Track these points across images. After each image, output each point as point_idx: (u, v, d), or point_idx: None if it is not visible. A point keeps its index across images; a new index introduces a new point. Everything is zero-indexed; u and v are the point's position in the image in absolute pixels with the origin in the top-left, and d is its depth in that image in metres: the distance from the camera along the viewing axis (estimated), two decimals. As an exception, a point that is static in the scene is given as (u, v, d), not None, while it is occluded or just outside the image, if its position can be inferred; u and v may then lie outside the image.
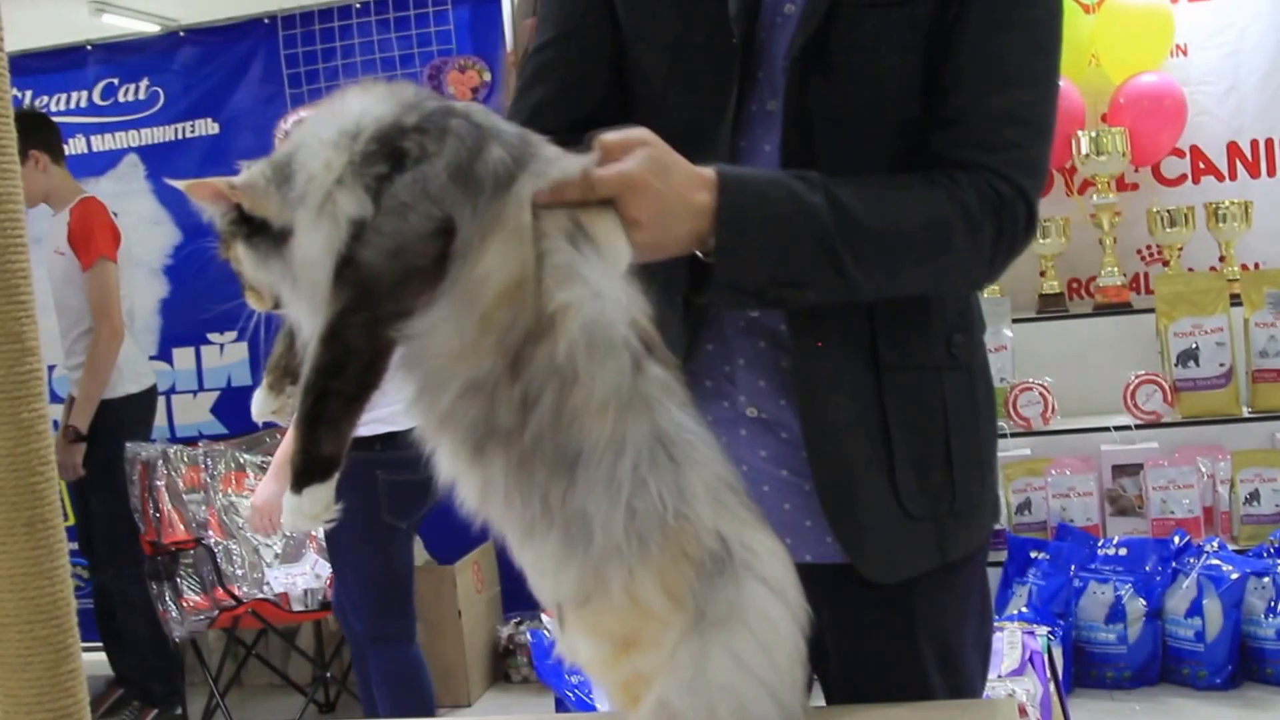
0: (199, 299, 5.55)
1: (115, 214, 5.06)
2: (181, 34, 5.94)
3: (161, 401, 5.64)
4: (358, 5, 5.66)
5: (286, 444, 3.91)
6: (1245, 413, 4.82)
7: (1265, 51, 5.16)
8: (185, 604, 4.77)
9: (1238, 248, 5.06)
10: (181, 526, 4.89)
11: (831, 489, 1.49)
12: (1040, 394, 4.86)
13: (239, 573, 4.93)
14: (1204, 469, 4.79)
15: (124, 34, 6.10)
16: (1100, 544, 4.65)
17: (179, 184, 1.23)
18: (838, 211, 1.35)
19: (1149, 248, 5.27)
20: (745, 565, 1.21)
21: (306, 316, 1.23)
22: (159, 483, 4.87)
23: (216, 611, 4.77)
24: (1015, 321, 5.05)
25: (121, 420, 4.93)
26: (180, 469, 4.96)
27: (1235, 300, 4.81)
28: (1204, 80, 5.19)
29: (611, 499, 1.18)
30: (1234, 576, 4.40)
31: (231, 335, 5.76)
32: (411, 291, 1.19)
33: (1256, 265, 5.10)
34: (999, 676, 3.41)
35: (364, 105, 1.23)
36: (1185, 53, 5.21)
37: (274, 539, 4.91)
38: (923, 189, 1.42)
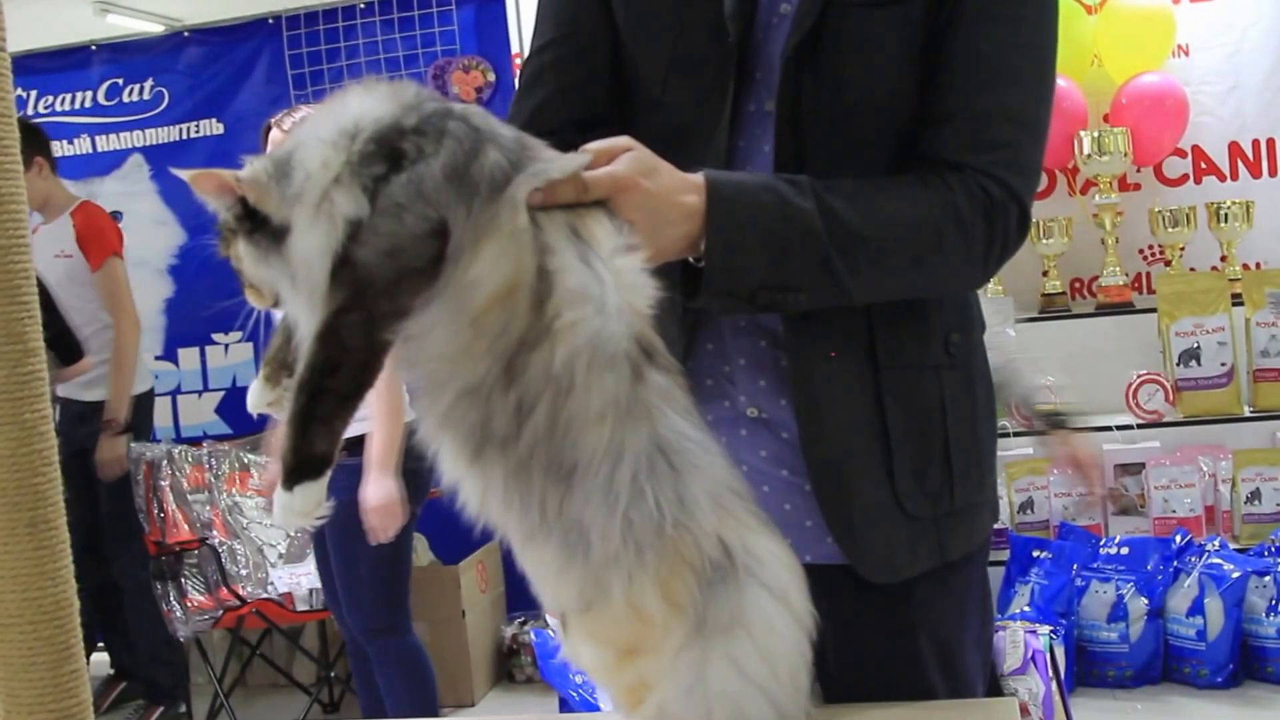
0: (204, 299, 5.54)
1: (119, 214, 5.12)
2: (186, 34, 5.95)
3: (166, 402, 5.66)
4: (362, 5, 5.67)
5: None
6: (1246, 412, 4.82)
7: (1267, 52, 5.15)
8: (190, 604, 4.78)
9: (1239, 247, 5.06)
10: (186, 526, 4.89)
11: (829, 489, 1.48)
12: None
13: (243, 572, 4.93)
14: (1205, 468, 4.79)
15: (128, 34, 6.11)
16: (1102, 543, 4.65)
17: (184, 174, 1.23)
18: (827, 216, 1.36)
19: (1151, 247, 5.27)
20: (748, 571, 1.21)
21: (304, 314, 1.23)
22: (163, 483, 4.87)
23: (221, 611, 4.78)
24: (1018, 321, 5.04)
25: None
26: (185, 469, 4.97)
27: (1237, 300, 4.81)
28: (1206, 80, 5.19)
29: (609, 509, 1.18)
30: (1235, 575, 4.40)
31: (236, 335, 5.77)
32: (407, 292, 1.19)
33: (1258, 265, 5.10)
34: (1001, 676, 3.41)
35: (364, 105, 1.23)
36: (1187, 53, 5.21)
37: (278, 540, 4.92)
38: (913, 192, 1.42)
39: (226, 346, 5.84)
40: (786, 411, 1.50)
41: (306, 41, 5.75)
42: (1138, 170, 5.23)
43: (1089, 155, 4.97)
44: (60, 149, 5.79)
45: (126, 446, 4.88)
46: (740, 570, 1.21)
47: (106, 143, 6.01)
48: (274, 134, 3.65)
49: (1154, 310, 4.92)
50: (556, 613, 1.30)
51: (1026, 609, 4.41)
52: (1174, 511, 4.74)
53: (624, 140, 1.31)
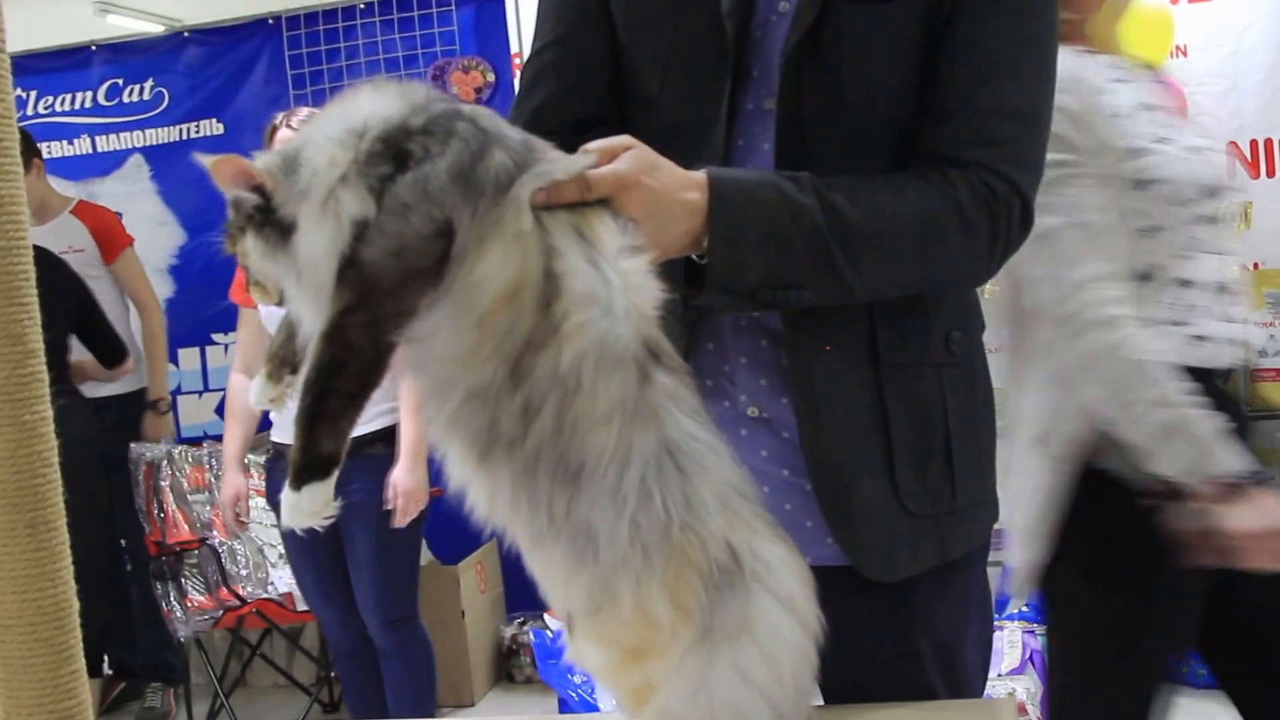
0: (204, 299, 5.56)
1: (119, 215, 5.21)
2: (186, 34, 5.95)
3: (167, 402, 5.66)
4: (362, 5, 5.67)
5: (231, 441, 3.99)
6: (1245, 411, 4.81)
7: (1265, 52, 5.15)
8: (190, 604, 4.78)
9: (1238, 248, 5.05)
10: (186, 527, 4.90)
11: (829, 487, 1.48)
12: (1041, 394, 4.85)
13: (243, 573, 4.94)
14: (1205, 468, 4.78)
15: (128, 34, 6.12)
16: (1102, 543, 4.64)
17: (204, 159, 1.23)
18: (829, 212, 1.36)
19: (1150, 247, 5.26)
20: (755, 576, 1.21)
21: (309, 313, 1.24)
22: (164, 483, 4.88)
23: (221, 611, 4.79)
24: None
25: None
26: (185, 469, 4.97)
27: (1236, 300, 4.80)
28: (1204, 81, 5.17)
29: (617, 511, 1.18)
30: (1234, 576, 4.39)
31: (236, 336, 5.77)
32: (413, 293, 1.19)
33: (1256, 265, 5.09)
34: (999, 675, 3.42)
35: (373, 104, 1.24)
36: (1185, 54, 5.20)
37: (278, 540, 4.92)
38: (915, 188, 1.41)
39: (226, 347, 5.84)
40: (787, 411, 1.50)
41: (306, 41, 5.75)
42: (1137, 170, 5.22)
43: (1088, 156, 4.96)
44: (60, 149, 5.80)
45: (169, 425, 5.25)
46: (748, 575, 1.21)
47: (106, 143, 6.01)
48: (283, 132, 3.65)
49: (1153, 310, 4.91)
50: (563, 614, 1.30)
51: (1025, 609, 4.41)
52: (1173, 511, 4.74)
53: (624, 139, 1.31)
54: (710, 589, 1.20)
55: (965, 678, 1.58)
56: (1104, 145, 2.07)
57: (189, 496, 4.95)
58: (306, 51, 5.75)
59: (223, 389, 5.86)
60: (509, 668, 5.30)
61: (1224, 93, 5.19)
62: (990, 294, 5.06)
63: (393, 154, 1.20)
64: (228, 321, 5.55)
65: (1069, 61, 1.76)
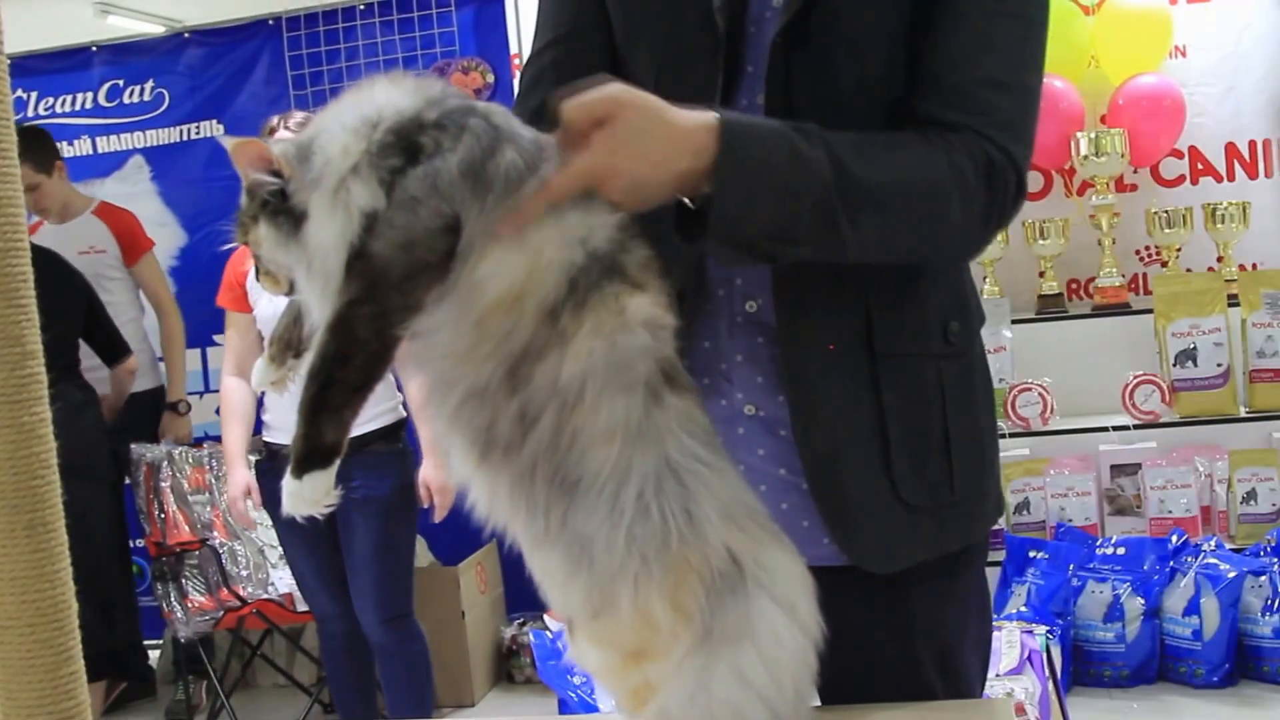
0: (204, 300, 5.55)
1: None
2: (186, 35, 5.94)
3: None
4: (362, 6, 5.67)
5: (232, 439, 3.99)
6: (1242, 412, 4.83)
7: (1264, 53, 5.15)
8: (190, 604, 4.79)
9: (1235, 248, 5.06)
10: (186, 527, 4.90)
11: (823, 480, 1.47)
12: (1039, 394, 4.86)
13: (244, 573, 4.94)
14: (1201, 468, 4.80)
15: (129, 35, 6.12)
16: (1099, 543, 4.66)
17: (226, 141, 1.24)
18: (836, 166, 1.33)
19: (1147, 248, 5.27)
20: (757, 582, 1.22)
21: (317, 302, 1.25)
22: (164, 484, 4.89)
23: (221, 612, 4.79)
24: (1014, 322, 5.05)
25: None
26: (185, 470, 4.98)
27: (1233, 301, 4.81)
28: (1203, 81, 5.19)
29: (613, 524, 1.19)
30: (1231, 575, 4.41)
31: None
32: (420, 286, 1.20)
33: (1254, 266, 5.10)
34: (997, 675, 3.41)
35: (389, 96, 1.25)
36: (1184, 54, 5.21)
37: (276, 541, 4.93)
38: (919, 149, 1.39)
39: (226, 347, 5.83)
40: (784, 409, 1.49)
41: (307, 42, 5.74)
42: (1134, 171, 5.23)
43: (1086, 156, 4.96)
44: (61, 150, 5.81)
45: (190, 427, 5.32)
46: (749, 581, 1.21)
47: (107, 144, 6.00)
48: (280, 134, 3.65)
49: (1150, 311, 4.93)
50: (564, 616, 1.31)
51: (1023, 609, 4.42)
52: (1170, 512, 4.76)
53: (609, 94, 1.28)
54: (711, 593, 1.20)
55: (964, 678, 1.57)
56: None
57: (189, 497, 4.95)
58: (307, 52, 5.75)
59: (222, 390, 5.88)
60: (509, 668, 5.30)
61: (1222, 93, 5.20)
62: (987, 294, 5.08)
63: (404, 146, 1.21)
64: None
65: None
